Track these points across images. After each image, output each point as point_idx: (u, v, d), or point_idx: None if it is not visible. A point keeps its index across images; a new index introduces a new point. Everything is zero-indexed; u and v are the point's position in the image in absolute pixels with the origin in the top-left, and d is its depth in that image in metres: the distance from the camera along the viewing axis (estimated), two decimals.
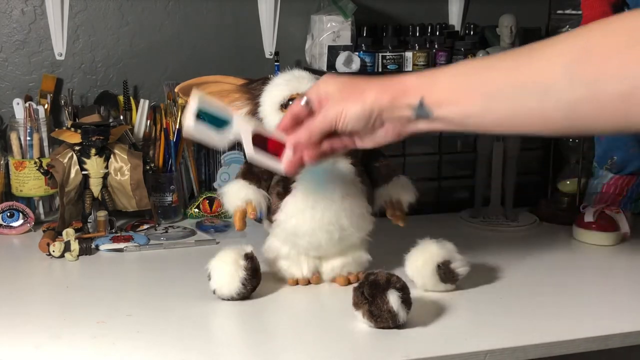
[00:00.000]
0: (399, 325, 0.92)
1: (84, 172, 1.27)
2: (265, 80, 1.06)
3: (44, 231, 1.26)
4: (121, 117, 1.40)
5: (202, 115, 0.88)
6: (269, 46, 1.52)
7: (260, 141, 0.90)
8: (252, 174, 1.07)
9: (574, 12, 1.50)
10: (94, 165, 1.27)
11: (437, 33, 1.46)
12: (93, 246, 1.22)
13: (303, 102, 0.87)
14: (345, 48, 1.40)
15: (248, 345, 0.92)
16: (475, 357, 0.88)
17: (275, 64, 1.45)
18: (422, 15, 1.55)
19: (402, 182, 1.10)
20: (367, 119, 0.84)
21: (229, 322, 1.00)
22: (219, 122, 0.89)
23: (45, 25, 1.42)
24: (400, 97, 0.82)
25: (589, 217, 1.29)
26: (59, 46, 1.43)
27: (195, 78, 1.09)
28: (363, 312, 0.92)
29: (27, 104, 1.34)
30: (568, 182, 1.46)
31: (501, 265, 1.16)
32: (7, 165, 1.36)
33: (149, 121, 1.41)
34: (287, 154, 0.88)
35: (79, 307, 1.00)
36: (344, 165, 1.05)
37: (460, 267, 1.04)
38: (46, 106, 1.37)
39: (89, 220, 1.30)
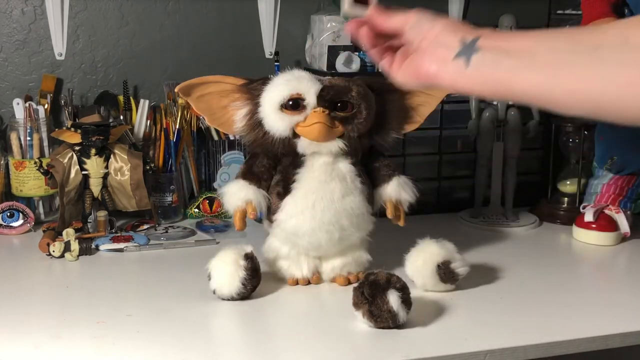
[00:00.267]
0: (399, 325, 0.92)
1: (84, 172, 1.27)
2: (265, 80, 1.06)
3: (44, 231, 1.26)
4: (121, 117, 1.40)
5: None
6: (269, 46, 1.52)
7: None
8: (252, 174, 1.07)
9: (574, 12, 1.51)
10: (94, 165, 1.27)
11: None
12: (93, 246, 1.22)
13: None
14: (345, 48, 1.40)
15: (248, 345, 0.92)
16: (475, 357, 0.88)
17: (275, 64, 1.45)
18: None
19: (402, 182, 1.10)
20: (423, 20, 0.79)
21: (229, 322, 1.00)
22: None
23: (45, 25, 1.42)
24: (454, 33, 0.76)
25: (589, 217, 1.29)
26: (59, 46, 1.43)
27: (195, 78, 1.09)
28: (363, 312, 0.92)
29: (27, 104, 1.34)
30: (568, 182, 1.46)
31: (501, 265, 1.16)
32: (7, 165, 1.36)
33: (149, 121, 1.41)
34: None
35: (79, 307, 1.00)
36: (344, 165, 1.05)
37: (460, 267, 1.04)
38: (46, 106, 1.37)
39: (89, 220, 1.30)
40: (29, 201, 1.36)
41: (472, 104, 1.40)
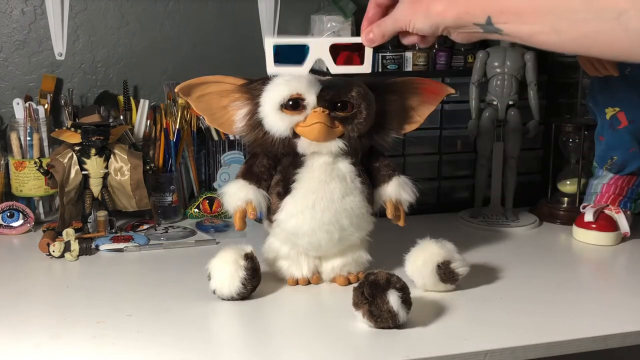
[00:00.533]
0: (399, 325, 0.92)
1: (84, 172, 1.27)
2: (265, 80, 1.06)
3: (44, 231, 1.26)
4: (121, 117, 1.40)
5: (279, 50, 0.95)
6: None
7: (336, 51, 0.97)
8: (252, 174, 1.07)
9: None
10: (94, 165, 1.27)
11: None
12: (93, 246, 1.22)
13: None
14: None
15: (248, 345, 0.92)
16: (475, 357, 0.88)
17: None
18: None
19: (402, 182, 1.10)
20: (434, 32, 0.88)
21: (229, 322, 1.00)
22: (296, 52, 0.97)
23: (45, 25, 1.42)
24: (465, 15, 0.83)
25: (588, 217, 1.29)
26: (59, 46, 1.43)
27: (195, 78, 1.09)
28: (363, 312, 0.92)
29: (27, 104, 1.34)
30: (568, 182, 1.46)
31: (501, 265, 1.16)
32: (7, 165, 1.37)
33: (149, 121, 1.41)
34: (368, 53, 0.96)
35: (79, 307, 1.00)
36: (344, 165, 1.05)
37: (460, 267, 1.04)
38: (46, 106, 1.38)
39: (89, 220, 1.30)
40: (29, 201, 1.36)
41: (472, 104, 1.40)
